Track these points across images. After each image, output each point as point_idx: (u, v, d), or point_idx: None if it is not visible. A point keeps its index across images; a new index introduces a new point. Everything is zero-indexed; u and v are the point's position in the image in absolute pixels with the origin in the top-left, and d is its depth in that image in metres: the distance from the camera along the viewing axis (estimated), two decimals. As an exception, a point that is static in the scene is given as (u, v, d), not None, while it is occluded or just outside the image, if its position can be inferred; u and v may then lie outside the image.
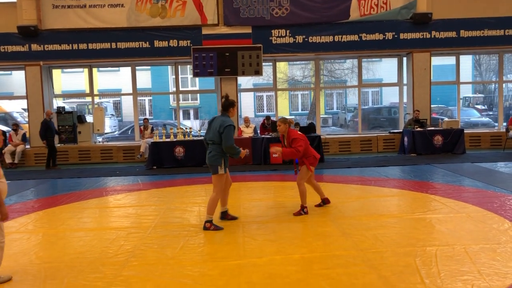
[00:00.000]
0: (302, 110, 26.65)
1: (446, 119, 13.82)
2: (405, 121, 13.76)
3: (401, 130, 13.22)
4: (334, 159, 11.92)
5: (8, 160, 12.45)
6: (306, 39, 13.15)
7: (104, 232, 5.55)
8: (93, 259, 4.56)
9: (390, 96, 23.42)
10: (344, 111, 24.09)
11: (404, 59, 14.08)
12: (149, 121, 13.67)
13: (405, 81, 14.22)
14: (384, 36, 13.18)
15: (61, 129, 13.34)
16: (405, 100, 14.32)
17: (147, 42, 13.01)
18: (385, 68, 21.87)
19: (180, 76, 14.98)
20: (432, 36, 13.18)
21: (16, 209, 7.03)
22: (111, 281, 3.95)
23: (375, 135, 13.93)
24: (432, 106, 13.85)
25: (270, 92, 23.67)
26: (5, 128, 14.48)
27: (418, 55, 13.31)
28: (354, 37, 13.18)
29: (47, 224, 6.16)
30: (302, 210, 5.98)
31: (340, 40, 13.18)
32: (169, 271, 4.15)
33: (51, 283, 3.96)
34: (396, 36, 13.17)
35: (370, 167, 10.30)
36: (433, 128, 12.59)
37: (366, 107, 22.95)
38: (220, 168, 5.36)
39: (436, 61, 14.03)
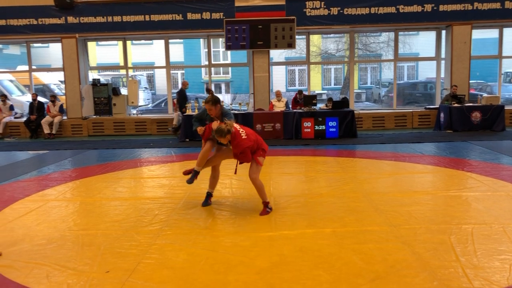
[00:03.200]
0: (335, 85, 26.26)
1: (485, 95, 13.33)
2: (441, 96, 13.35)
3: (438, 106, 12.85)
4: (367, 135, 11.74)
5: (46, 130, 12.84)
6: (341, 11, 12.82)
7: (138, 202, 5.68)
8: (128, 227, 4.68)
9: (426, 71, 22.72)
10: (378, 86, 23.57)
11: (443, 32, 13.56)
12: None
13: (443, 55, 13.73)
14: (422, 8, 12.69)
15: (96, 101, 13.62)
16: (442, 75, 13.86)
17: (180, 15, 12.98)
18: (422, 42, 21.19)
19: (212, 49, 14.93)
20: (474, 8, 12.59)
21: (54, 177, 7.27)
22: (145, 249, 4.05)
23: (410, 110, 13.58)
24: (470, 81, 13.36)
25: (302, 66, 23.39)
26: (43, 100, 14.85)
27: (458, 28, 12.78)
28: (391, 9, 12.75)
29: (84, 193, 6.35)
30: (267, 207, 5.06)
31: (376, 12, 12.78)
32: (202, 241, 4.22)
33: (89, 249, 4.10)
34: (435, 8, 12.65)
35: (404, 143, 10.09)
36: (471, 104, 12.16)
37: (402, 82, 22.39)
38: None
39: (477, 34, 13.42)
